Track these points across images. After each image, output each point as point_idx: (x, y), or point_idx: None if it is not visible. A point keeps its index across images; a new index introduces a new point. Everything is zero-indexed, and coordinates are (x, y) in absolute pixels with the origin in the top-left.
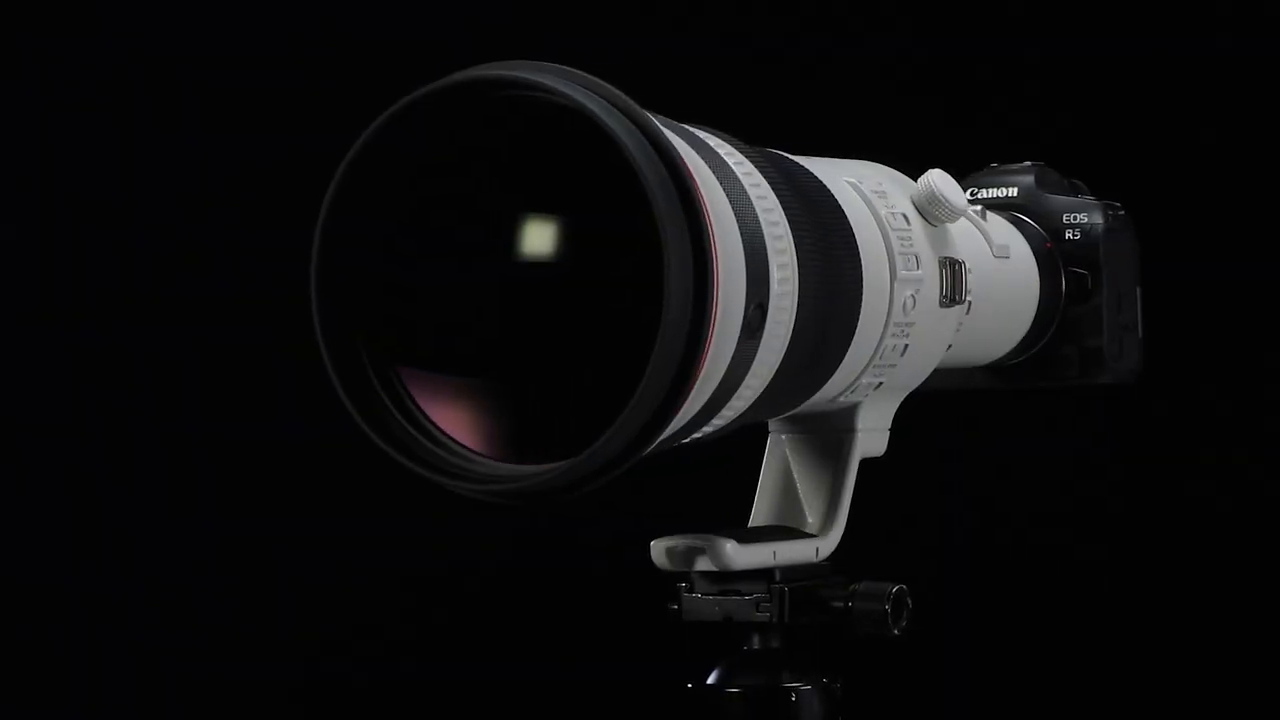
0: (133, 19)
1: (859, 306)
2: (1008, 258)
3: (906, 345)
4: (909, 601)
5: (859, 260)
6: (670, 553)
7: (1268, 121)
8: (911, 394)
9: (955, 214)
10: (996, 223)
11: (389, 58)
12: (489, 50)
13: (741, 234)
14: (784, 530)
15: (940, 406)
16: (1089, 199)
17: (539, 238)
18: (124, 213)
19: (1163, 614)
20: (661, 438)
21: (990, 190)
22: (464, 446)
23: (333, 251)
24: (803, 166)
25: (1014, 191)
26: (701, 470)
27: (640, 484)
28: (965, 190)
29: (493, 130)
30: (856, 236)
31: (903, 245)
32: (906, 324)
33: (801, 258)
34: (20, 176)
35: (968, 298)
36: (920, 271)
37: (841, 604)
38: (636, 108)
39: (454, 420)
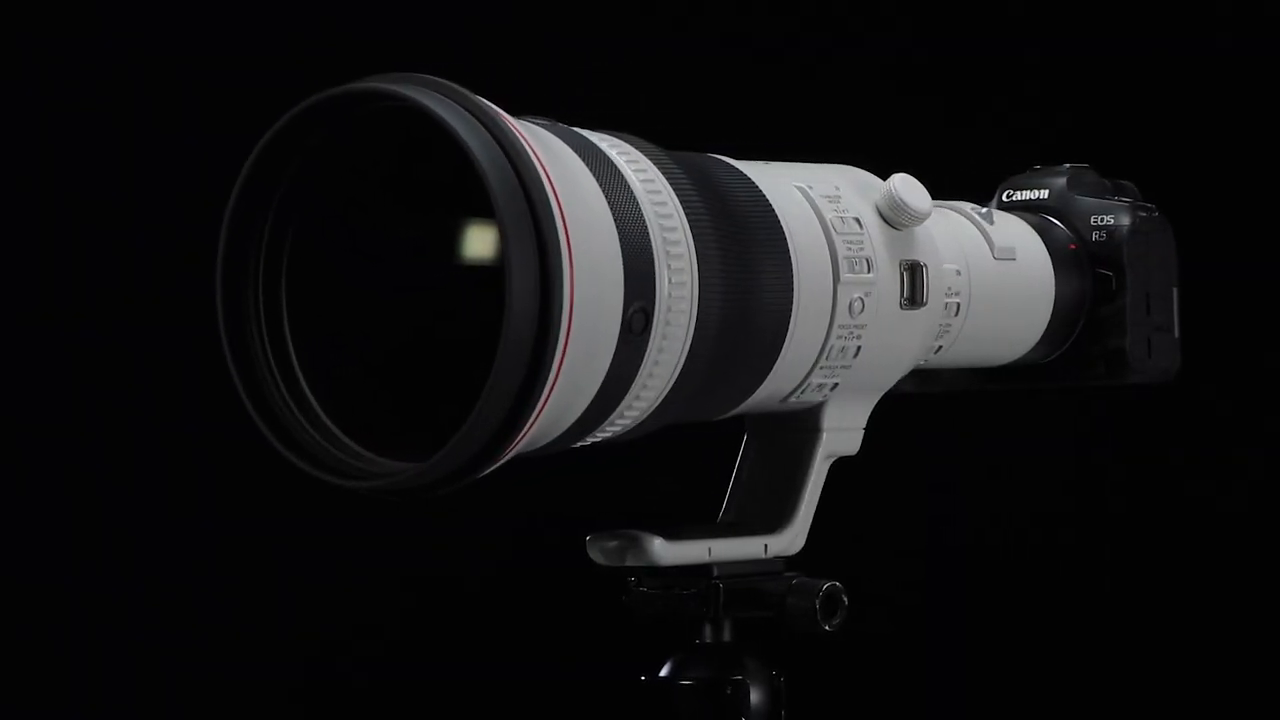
0: (133, 19)
1: (789, 308)
2: (1013, 259)
3: (859, 347)
4: (844, 599)
5: (789, 263)
6: (604, 549)
7: (1265, 120)
8: (925, 394)
9: (917, 218)
10: (1008, 224)
11: (389, 58)
12: (486, 51)
13: (620, 237)
14: (729, 526)
15: (948, 407)
16: (1122, 201)
17: (421, 243)
18: (124, 213)
19: (1163, 615)
20: (549, 438)
21: (1024, 193)
22: (355, 443)
23: (235, 257)
24: (741, 173)
25: (1045, 194)
26: (702, 468)
27: (640, 483)
28: (1001, 193)
29: (376, 140)
30: (790, 240)
31: (850, 249)
32: (856, 326)
33: (704, 260)
34: (20, 176)
35: (953, 300)
36: (871, 275)
37: (777, 600)
38: (494, 114)
39: (347, 417)
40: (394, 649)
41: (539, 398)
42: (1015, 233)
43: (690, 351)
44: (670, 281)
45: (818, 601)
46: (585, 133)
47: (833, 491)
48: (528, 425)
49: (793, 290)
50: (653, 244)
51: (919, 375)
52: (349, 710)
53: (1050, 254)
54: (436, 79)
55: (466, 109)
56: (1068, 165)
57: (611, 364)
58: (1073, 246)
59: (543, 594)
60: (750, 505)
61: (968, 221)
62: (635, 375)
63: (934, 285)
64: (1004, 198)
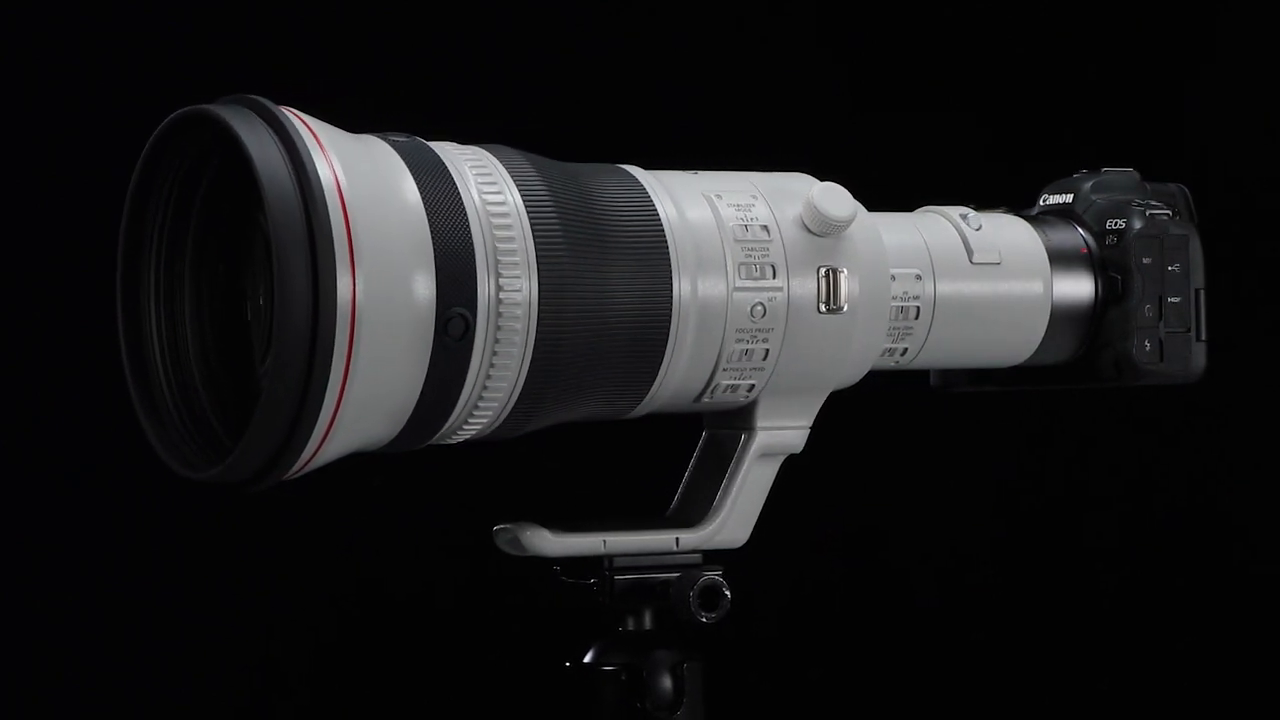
0: (133, 19)
1: (667, 314)
2: (996, 263)
3: (768, 350)
4: (726, 593)
5: (668, 270)
6: (503, 540)
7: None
8: (937, 394)
9: (838, 225)
10: (1001, 229)
11: (387, 58)
12: (481, 51)
13: (435, 245)
14: (638, 519)
15: (948, 407)
16: (1139, 204)
17: (257, 253)
18: (123, 212)
19: (1162, 615)
20: (382, 438)
21: (1055, 197)
22: (226, 437)
23: (131, 268)
24: (634, 183)
25: (1070, 198)
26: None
27: (640, 482)
28: (1040, 197)
29: (218, 158)
30: (673, 248)
31: (752, 255)
32: (759, 330)
33: (547, 266)
34: (20, 176)
35: (910, 304)
36: (777, 280)
37: (665, 592)
38: (294, 130)
39: (222, 413)
40: (393, 648)
41: (321, 400)
42: (1008, 237)
43: (535, 355)
44: (500, 288)
45: (693, 593)
46: (448, 147)
47: (823, 490)
48: (320, 426)
49: (672, 295)
50: (476, 251)
51: (970, 375)
52: (347, 709)
53: (1052, 258)
54: (262, 100)
55: (268, 124)
56: (1105, 169)
57: (430, 369)
58: (1083, 250)
59: (532, 589)
60: (684, 499)
61: (950, 227)
62: (464, 379)
63: (866, 290)
64: (1041, 202)
